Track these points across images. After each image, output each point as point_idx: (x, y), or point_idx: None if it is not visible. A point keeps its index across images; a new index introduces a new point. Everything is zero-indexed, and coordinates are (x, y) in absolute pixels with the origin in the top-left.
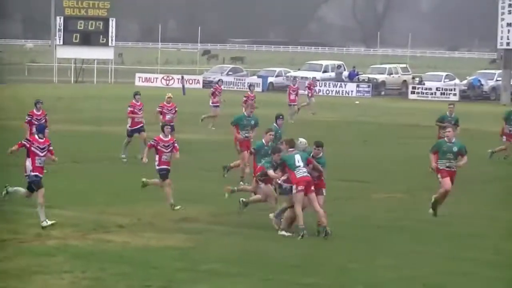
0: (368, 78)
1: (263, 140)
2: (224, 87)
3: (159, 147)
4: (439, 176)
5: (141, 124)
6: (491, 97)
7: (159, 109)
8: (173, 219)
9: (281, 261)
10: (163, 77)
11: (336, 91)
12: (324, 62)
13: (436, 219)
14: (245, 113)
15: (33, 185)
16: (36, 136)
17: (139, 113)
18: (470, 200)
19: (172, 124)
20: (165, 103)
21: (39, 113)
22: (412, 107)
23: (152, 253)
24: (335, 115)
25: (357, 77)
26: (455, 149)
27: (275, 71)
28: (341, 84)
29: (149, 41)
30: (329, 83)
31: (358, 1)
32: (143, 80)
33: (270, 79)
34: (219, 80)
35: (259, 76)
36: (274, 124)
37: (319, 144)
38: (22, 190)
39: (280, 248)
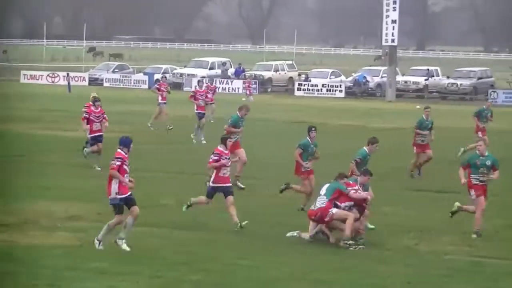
0: (255, 75)
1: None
2: (110, 84)
3: (222, 159)
4: (472, 192)
5: (100, 133)
6: (376, 94)
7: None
8: (59, 217)
9: (171, 258)
10: (48, 75)
11: (222, 88)
12: (211, 59)
13: None
14: (239, 114)
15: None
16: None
17: (97, 120)
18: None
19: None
20: (92, 108)
21: (97, 110)
22: (298, 103)
23: (39, 252)
24: (221, 111)
25: (243, 74)
26: (488, 162)
27: (161, 68)
28: (227, 81)
29: (34, 38)
30: (216, 80)
31: None
32: (29, 77)
33: (156, 76)
34: (162, 77)
35: (145, 73)
36: (307, 139)
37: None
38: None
39: (169, 246)
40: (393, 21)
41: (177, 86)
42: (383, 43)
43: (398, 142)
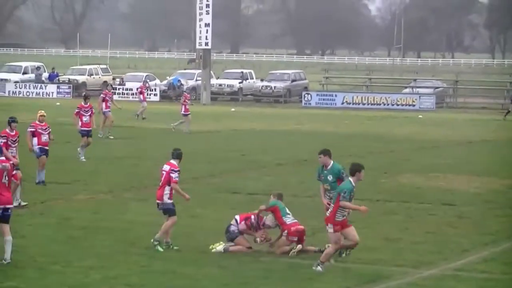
0: (69, 79)
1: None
2: None
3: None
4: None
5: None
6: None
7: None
8: None
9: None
10: None
11: (36, 92)
12: (24, 64)
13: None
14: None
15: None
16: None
17: (13, 145)
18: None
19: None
20: (37, 122)
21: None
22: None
23: None
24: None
25: (57, 78)
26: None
27: None
28: (41, 85)
29: None
30: (29, 84)
31: (56, 1)
32: None
33: None
34: (108, 85)
35: None
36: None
37: None
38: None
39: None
40: (207, 24)
41: None
42: (197, 46)
43: (213, 145)
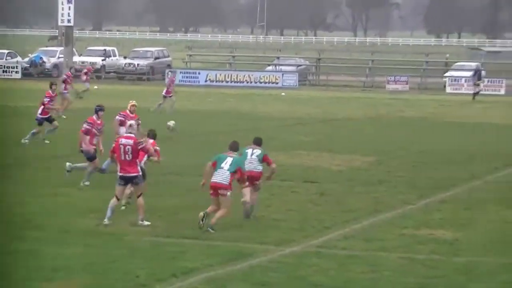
0: None
1: None
2: None
3: None
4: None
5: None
6: (53, 74)
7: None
8: None
9: None
10: None
11: None
12: None
13: None
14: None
15: None
16: None
17: (98, 134)
18: None
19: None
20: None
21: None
22: None
23: None
24: None
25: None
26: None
27: None
28: None
29: None
30: None
31: None
32: None
33: None
34: (71, 68)
35: None
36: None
37: None
38: None
39: None
40: (69, 1)
41: None
42: (59, 24)
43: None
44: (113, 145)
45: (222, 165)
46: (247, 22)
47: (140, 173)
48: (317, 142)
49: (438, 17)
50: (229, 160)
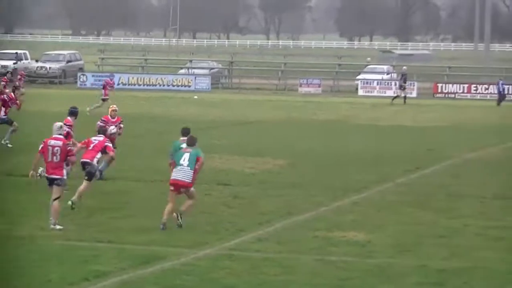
0: None
1: None
2: None
3: None
4: None
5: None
6: None
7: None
8: None
9: None
10: None
11: None
12: None
13: None
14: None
15: None
16: None
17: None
18: None
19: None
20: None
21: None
22: None
23: None
24: None
25: None
26: None
27: None
28: None
29: None
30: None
31: None
32: None
33: None
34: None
35: None
36: None
37: None
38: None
39: None
40: None
41: None
42: None
43: None
44: (41, 145)
45: (181, 161)
46: (160, 25)
47: (65, 177)
48: (230, 145)
49: (350, 20)
50: (186, 156)
